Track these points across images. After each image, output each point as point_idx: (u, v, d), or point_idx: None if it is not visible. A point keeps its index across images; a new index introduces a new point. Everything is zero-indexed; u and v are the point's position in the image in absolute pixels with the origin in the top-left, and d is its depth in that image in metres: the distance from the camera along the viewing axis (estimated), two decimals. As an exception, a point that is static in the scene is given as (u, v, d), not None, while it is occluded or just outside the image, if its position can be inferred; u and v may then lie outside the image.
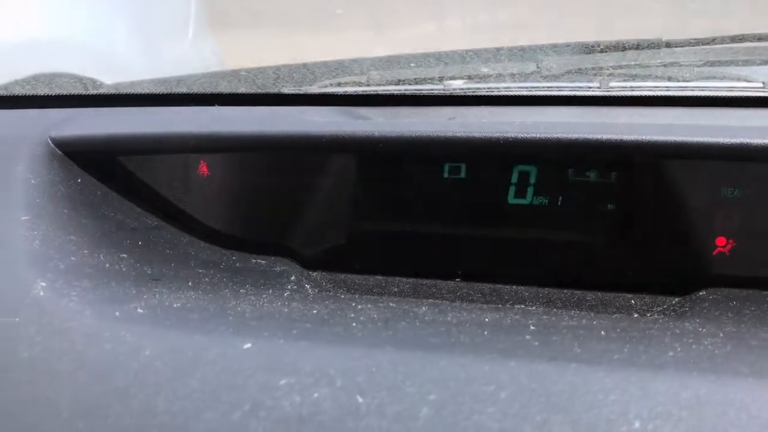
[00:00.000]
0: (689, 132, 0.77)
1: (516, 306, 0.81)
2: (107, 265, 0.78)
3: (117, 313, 0.65)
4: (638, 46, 1.03)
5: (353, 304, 0.74)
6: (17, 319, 0.63)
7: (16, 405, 0.56)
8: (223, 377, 0.56)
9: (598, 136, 0.77)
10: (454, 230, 0.89)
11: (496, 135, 0.79)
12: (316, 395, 0.54)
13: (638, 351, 0.60)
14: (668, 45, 1.01)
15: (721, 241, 0.83)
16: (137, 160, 0.92)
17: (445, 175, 0.88)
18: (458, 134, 0.80)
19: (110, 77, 2.36)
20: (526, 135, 0.78)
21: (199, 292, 0.76)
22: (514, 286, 0.87)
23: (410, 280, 0.89)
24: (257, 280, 0.84)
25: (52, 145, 0.89)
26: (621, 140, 0.77)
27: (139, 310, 0.67)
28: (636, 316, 0.78)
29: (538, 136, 0.78)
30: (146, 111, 1.02)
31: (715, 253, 0.83)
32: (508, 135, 0.78)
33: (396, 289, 0.88)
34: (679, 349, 0.61)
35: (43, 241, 0.76)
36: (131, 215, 0.90)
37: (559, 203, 0.86)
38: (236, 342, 0.60)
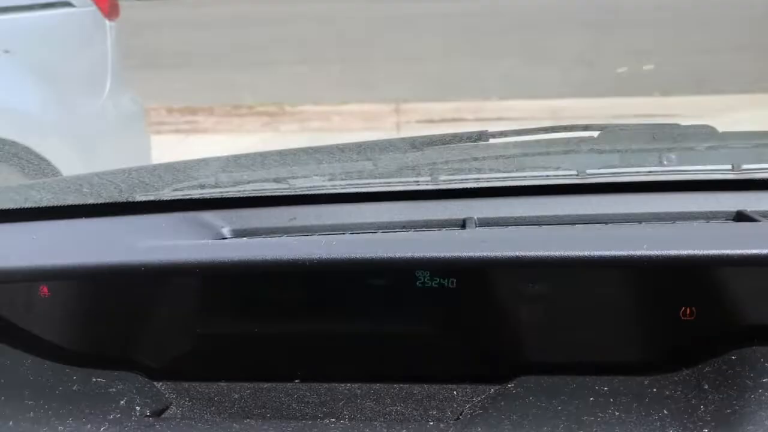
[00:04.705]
0: (498, 248, 0.83)
1: (350, 404, 0.86)
2: None
3: None
4: (466, 139, 1.11)
5: None
6: None
7: None
8: None
9: (423, 254, 0.83)
10: (291, 330, 0.94)
11: (330, 257, 0.84)
12: None
13: None
14: (492, 137, 1.10)
15: (532, 333, 0.91)
16: None
17: (282, 283, 0.93)
18: (286, 257, 0.85)
19: (24, 136, 2.34)
20: (360, 256, 0.84)
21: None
22: (348, 384, 0.91)
23: (251, 384, 0.93)
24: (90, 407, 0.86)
25: None
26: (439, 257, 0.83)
27: None
28: (448, 413, 0.84)
29: (366, 256, 0.84)
30: None
31: (525, 343, 0.90)
32: (340, 257, 0.84)
33: (237, 396, 0.91)
34: None
35: None
36: None
37: (387, 303, 0.92)
38: None
